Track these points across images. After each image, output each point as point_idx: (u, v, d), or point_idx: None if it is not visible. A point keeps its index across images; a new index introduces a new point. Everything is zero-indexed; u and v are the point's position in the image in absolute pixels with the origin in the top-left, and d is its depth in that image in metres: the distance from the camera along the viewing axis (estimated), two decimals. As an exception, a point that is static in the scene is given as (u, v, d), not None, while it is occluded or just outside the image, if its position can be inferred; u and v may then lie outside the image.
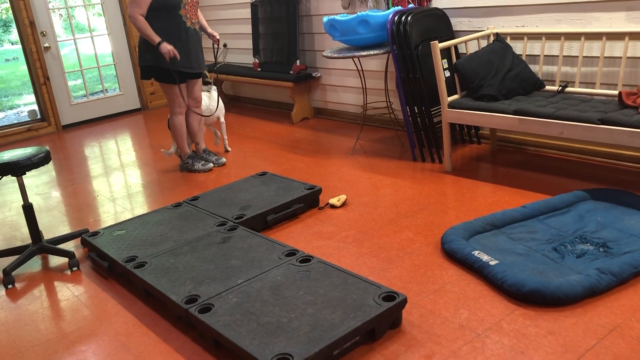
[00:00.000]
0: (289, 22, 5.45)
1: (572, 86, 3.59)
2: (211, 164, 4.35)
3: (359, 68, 4.85)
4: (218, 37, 4.16)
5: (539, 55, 3.74)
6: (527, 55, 3.79)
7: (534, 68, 3.77)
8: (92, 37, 6.50)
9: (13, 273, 3.06)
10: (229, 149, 4.78)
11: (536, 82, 3.61)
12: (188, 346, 2.28)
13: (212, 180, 4.14)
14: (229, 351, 2.21)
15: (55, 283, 2.93)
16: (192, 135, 4.39)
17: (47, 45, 6.12)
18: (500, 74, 3.55)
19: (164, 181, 4.25)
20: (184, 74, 4.09)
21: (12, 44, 17.61)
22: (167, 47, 3.85)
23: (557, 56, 3.65)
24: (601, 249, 2.54)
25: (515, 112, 3.29)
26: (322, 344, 1.99)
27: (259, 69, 5.79)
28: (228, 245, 2.83)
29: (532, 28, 3.73)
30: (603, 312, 2.18)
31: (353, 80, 5.17)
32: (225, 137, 4.74)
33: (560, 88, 3.53)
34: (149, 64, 3.99)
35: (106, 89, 6.74)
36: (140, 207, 3.81)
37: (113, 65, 6.65)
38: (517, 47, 3.83)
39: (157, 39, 3.84)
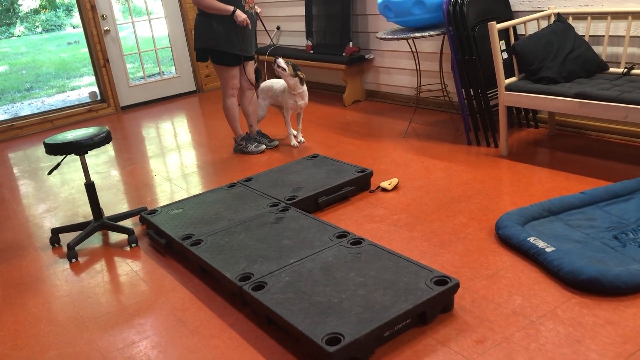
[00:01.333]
0: (342, 3, 5.41)
1: (639, 68, 3.43)
2: (263, 146, 4.40)
3: (413, 50, 4.78)
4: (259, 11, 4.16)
5: (603, 36, 3.59)
6: (590, 36, 3.64)
7: (597, 49, 3.62)
8: (149, 20, 6.65)
9: (76, 248, 3.20)
10: (302, 139, 4.55)
11: (599, 64, 3.47)
12: (241, 322, 2.34)
13: (265, 162, 4.19)
14: (281, 329, 2.25)
15: (115, 258, 3.05)
16: (246, 117, 4.45)
17: (107, 28, 6.30)
18: (561, 55, 3.43)
19: (219, 162, 4.33)
20: (239, 56, 4.13)
21: (74, 27, 18.23)
22: (242, 15, 3.92)
23: (623, 37, 3.49)
24: (665, 239, 2.44)
25: (576, 95, 3.18)
26: (373, 325, 2.00)
27: (312, 52, 5.79)
28: (280, 226, 2.87)
29: (596, 7, 3.57)
30: (666, 304, 2.10)
31: (407, 62, 5.10)
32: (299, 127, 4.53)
33: (625, 70, 3.38)
34: (204, 46, 4.06)
35: (163, 72, 6.90)
36: (195, 187, 3.90)
37: (169, 48, 6.79)
38: (580, 28, 3.68)
39: (230, 7, 3.90)
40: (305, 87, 4.36)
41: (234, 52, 4.05)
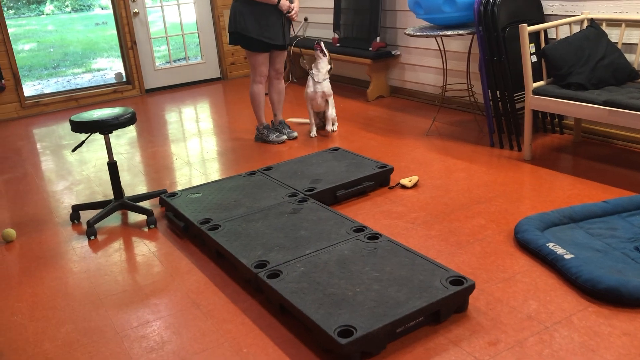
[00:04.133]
0: (372, -2, 5.38)
1: (671, 79, 3.37)
2: (285, 137, 4.41)
3: (441, 48, 4.74)
4: (295, 13, 4.21)
5: (636, 44, 3.53)
6: (623, 43, 3.59)
7: (629, 57, 3.56)
8: (178, 5, 6.68)
9: (95, 226, 3.24)
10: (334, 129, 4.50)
11: (631, 72, 3.41)
12: (255, 309, 2.35)
13: (286, 152, 4.20)
14: (294, 317, 2.26)
15: (133, 238, 3.08)
16: (272, 106, 4.49)
17: (136, 10, 6.34)
18: (592, 62, 3.38)
19: (239, 150, 4.35)
20: (268, 44, 4.16)
21: (102, 8, 18.39)
22: (286, 4, 4.08)
23: (657, 46, 3.43)
24: (688, 253, 2.40)
25: (605, 103, 3.13)
26: (386, 320, 2.00)
27: (338, 44, 5.78)
28: (298, 216, 2.87)
29: (631, 14, 3.51)
30: (685, 319, 2.07)
31: (433, 60, 5.06)
32: (331, 115, 4.47)
33: (656, 80, 3.32)
34: (234, 30, 4.13)
35: (189, 57, 6.93)
36: (215, 173, 3.92)
37: (197, 34, 6.82)
38: (613, 35, 3.62)
39: None
40: (327, 80, 4.38)
41: (259, 38, 4.09)
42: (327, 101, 4.42)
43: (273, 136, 4.39)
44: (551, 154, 3.70)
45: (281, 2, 4.04)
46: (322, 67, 4.38)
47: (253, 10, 4.04)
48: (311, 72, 4.41)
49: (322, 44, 4.37)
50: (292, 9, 4.14)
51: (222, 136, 4.73)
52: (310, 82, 4.40)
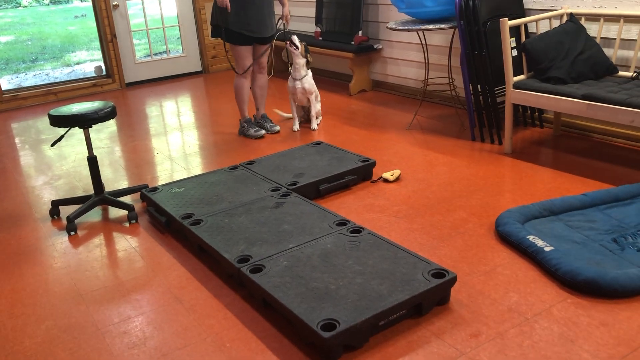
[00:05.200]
0: (354, -9, 5.38)
1: (648, 73, 3.42)
2: (263, 131, 4.39)
3: (423, 42, 4.76)
4: (288, 18, 4.21)
5: (614, 39, 3.57)
6: (601, 38, 3.63)
7: (607, 52, 3.60)
8: (159, -2, 6.61)
9: (76, 221, 3.20)
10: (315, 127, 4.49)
11: (609, 66, 3.46)
12: (237, 304, 2.35)
13: (268, 146, 4.18)
14: (277, 312, 2.26)
15: (114, 234, 3.06)
16: (254, 100, 4.48)
17: (115, 3, 6.26)
18: (571, 56, 3.42)
19: (221, 144, 4.32)
20: (249, 37, 4.13)
21: (82, 1, 18.12)
22: None
23: (635, 40, 3.48)
24: (664, 244, 2.45)
25: (583, 97, 3.17)
26: (369, 313, 2.01)
27: (320, 38, 5.76)
28: (281, 210, 2.87)
29: (609, 9, 3.56)
30: (661, 309, 2.11)
31: (415, 54, 5.08)
32: (313, 114, 4.47)
33: (635, 74, 3.37)
34: (216, 23, 4.12)
35: (169, 50, 6.86)
36: (196, 167, 3.90)
37: (177, 27, 6.75)
38: (592, 29, 3.66)
39: None
40: (309, 75, 4.36)
41: (240, 31, 4.06)
42: (308, 98, 4.40)
43: (252, 130, 4.37)
44: (531, 148, 3.74)
45: None
46: (299, 62, 4.33)
47: (234, 3, 4.00)
48: (290, 69, 4.39)
49: (293, 37, 4.29)
50: (224, 2, 3.96)
51: (203, 130, 4.69)
52: (290, 77, 4.40)
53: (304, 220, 2.74)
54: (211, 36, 4.22)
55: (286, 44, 4.31)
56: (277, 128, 4.46)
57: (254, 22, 4.08)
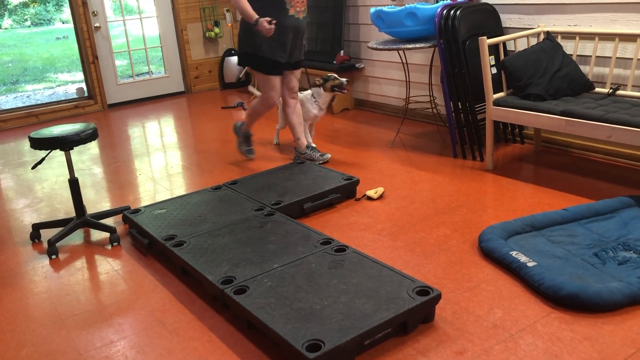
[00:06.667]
0: (335, 11, 5.44)
1: (624, 89, 3.49)
2: (328, 155, 4.14)
3: (404, 61, 4.81)
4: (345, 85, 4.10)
5: (590, 56, 3.64)
6: (577, 55, 3.70)
7: (584, 69, 3.68)
8: (140, 19, 6.62)
9: (57, 244, 3.16)
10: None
11: (586, 83, 3.52)
12: (222, 326, 2.32)
13: (251, 166, 4.18)
14: (262, 333, 2.24)
15: (96, 256, 3.02)
16: (291, 130, 4.14)
17: (97, 25, 6.26)
18: (549, 73, 3.48)
19: (204, 164, 4.31)
20: (280, 64, 3.85)
21: (63, 22, 18.08)
22: (264, 25, 3.63)
23: (610, 57, 3.55)
24: (644, 258, 2.48)
25: (562, 113, 3.22)
26: (354, 332, 2.00)
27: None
28: (265, 230, 2.86)
29: (585, 28, 3.63)
30: (643, 322, 2.13)
31: (396, 72, 5.13)
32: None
33: (610, 90, 3.43)
34: (246, 51, 3.84)
35: (152, 71, 6.86)
36: (179, 188, 3.88)
37: (160, 48, 6.76)
38: (568, 47, 3.74)
39: (255, 16, 3.66)
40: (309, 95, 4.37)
41: (271, 57, 3.78)
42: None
43: (317, 154, 4.09)
44: (513, 164, 3.78)
45: (259, 21, 3.63)
46: (328, 98, 4.28)
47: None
48: (314, 97, 4.28)
49: (343, 81, 4.17)
50: (269, 32, 3.72)
51: (186, 150, 4.68)
52: (314, 104, 4.28)
53: (288, 240, 2.73)
54: (238, 64, 3.98)
55: (343, 90, 4.18)
56: (328, 156, 4.14)
57: (287, 47, 3.82)
